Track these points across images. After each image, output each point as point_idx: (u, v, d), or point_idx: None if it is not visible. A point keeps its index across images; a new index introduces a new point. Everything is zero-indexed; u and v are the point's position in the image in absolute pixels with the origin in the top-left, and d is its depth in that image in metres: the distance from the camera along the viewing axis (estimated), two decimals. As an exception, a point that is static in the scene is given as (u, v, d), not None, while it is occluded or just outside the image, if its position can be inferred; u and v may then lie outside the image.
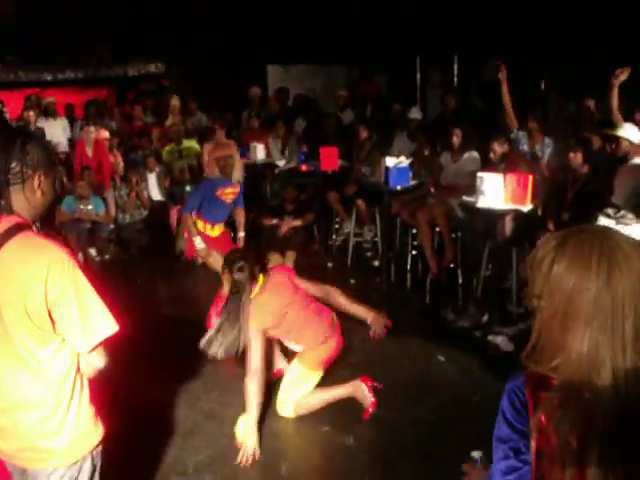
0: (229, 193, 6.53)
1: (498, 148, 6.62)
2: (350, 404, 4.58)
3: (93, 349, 2.29)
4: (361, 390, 4.55)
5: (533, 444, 1.48)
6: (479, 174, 6.25)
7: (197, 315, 5.75)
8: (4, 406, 2.31)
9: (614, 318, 1.46)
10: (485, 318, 6.13)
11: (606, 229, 1.58)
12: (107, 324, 2.29)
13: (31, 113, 10.52)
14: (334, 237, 8.69)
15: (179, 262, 8.07)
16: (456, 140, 7.23)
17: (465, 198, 6.54)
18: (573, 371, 1.47)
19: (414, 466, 4.00)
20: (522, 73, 8.99)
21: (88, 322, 2.24)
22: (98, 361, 2.36)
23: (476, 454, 1.98)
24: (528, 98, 8.63)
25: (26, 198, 2.31)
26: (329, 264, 8.04)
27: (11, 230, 2.22)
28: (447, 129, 7.47)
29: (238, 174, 6.54)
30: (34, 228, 2.32)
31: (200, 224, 6.46)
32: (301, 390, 4.52)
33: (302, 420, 4.52)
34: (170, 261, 8.21)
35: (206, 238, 6.44)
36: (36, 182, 2.32)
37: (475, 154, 7.19)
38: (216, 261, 6.03)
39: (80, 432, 2.39)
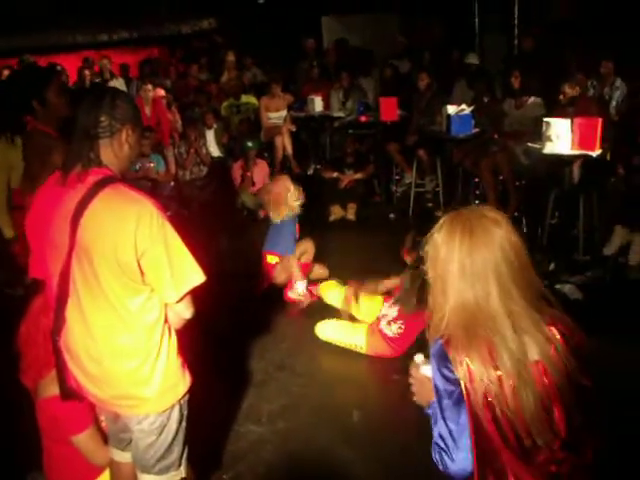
0: None
1: (569, 90, 6.41)
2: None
3: (181, 299, 2.34)
4: None
5: (463, 386, 1.79)
6: (545, 119, 6.08)
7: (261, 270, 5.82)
8: (97, 355, 2.39)
9: (479, 282, 1.82)
10: (552, 267, 6.04)
11: (478, 208, 1.91)
12: (195, 274, 2.33)
13: (87, 72, 10.66)
14: (395, 188, 8.61)
15: (241, 217, 8.16)
16: (515, 82, 7.03)
17: (530, 144, 6.39)
18: (460, 319, 1.84)
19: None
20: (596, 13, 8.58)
21: (176, 272, 2.28)
22: (185, 311, 2.41)
23: (418, 358, 2.10)
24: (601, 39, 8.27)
25: (114, 151, 2.35)
26: (391, 215, 7.98)
27: (101, 182, 2.27)
28: (507, 73, 7.29)
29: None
30: (122, 181, 2.36)
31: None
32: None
33: (374, 367, 4.55)
34: (232, 216, 8.30)
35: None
36: (124, 136, 2.36)
37: (539, 100, 6.99)
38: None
39: (169, 381, 2.45)
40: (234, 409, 4.24)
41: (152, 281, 2.31)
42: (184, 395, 2.53)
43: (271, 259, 5.87)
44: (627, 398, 3.66)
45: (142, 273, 2.29)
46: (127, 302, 2.31)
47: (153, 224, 2.24)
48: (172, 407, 2.48)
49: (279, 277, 5.78)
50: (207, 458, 3.56)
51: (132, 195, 2.28)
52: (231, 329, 5.20)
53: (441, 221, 1.90)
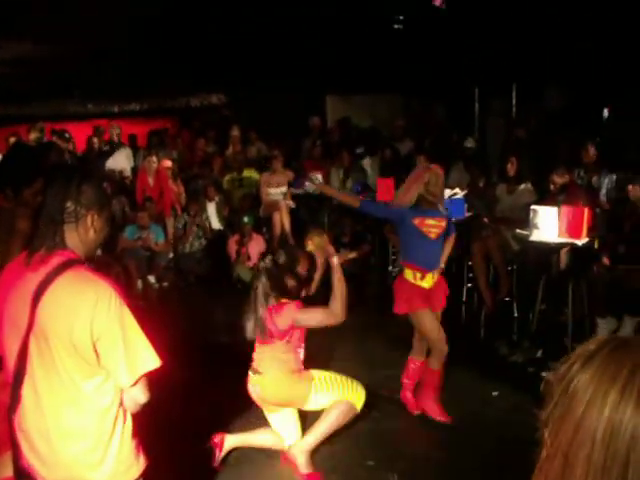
0: (432, 226, 4.93)
1: (558, 179, 6.54)
2: (394, 439, 4.56)
3: (135, 383, 2.36)
4: None
5: None
6: (532, 207, 6.17)
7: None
8: (47, 435, 2.39)
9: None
10: (539, 353, 6.04)
11: None
12: (150, 359, 2.36)
13: (95, 140, 10.97)
14: (390, 268, 8.67)
15: (236, 290, 8.22)
16: (511, 168, 7.16)
17: (519, 231, 6.47)
18: None
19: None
20: (583, 101, 8.84)
21: (131, 356, 2.32)
22: (140, 395, 2.42)
23: None
24: (588, 127, 8.49)
25: (79, 236, 2.42)
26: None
27: (63, 265, 2.33)
28: (503, 158, 7.43)
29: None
30: (85, 264, 2.41)
31: (409, 273, 5.04)
32: None
33: (346, 454, 4.51)
34: (227, 289, 8.37)
35: (414, 291, 5.00)
36: (89, 221, 2.43)
37: (530, 186, 7.11)
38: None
39: (122, 465, 2.45)
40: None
41: (107, 364, 2.33)
42: (138, 478, 2.52)
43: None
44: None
45: (98, 356, 2.32)
46: (81, 384, 2.34)
47: (111, 308, 2.28)
48: (124, 491, 2.48)
49: None
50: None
51: (92, 278, 2.33)
52: (216, 401, 5.14)
53: (586, 350, 1.09)
